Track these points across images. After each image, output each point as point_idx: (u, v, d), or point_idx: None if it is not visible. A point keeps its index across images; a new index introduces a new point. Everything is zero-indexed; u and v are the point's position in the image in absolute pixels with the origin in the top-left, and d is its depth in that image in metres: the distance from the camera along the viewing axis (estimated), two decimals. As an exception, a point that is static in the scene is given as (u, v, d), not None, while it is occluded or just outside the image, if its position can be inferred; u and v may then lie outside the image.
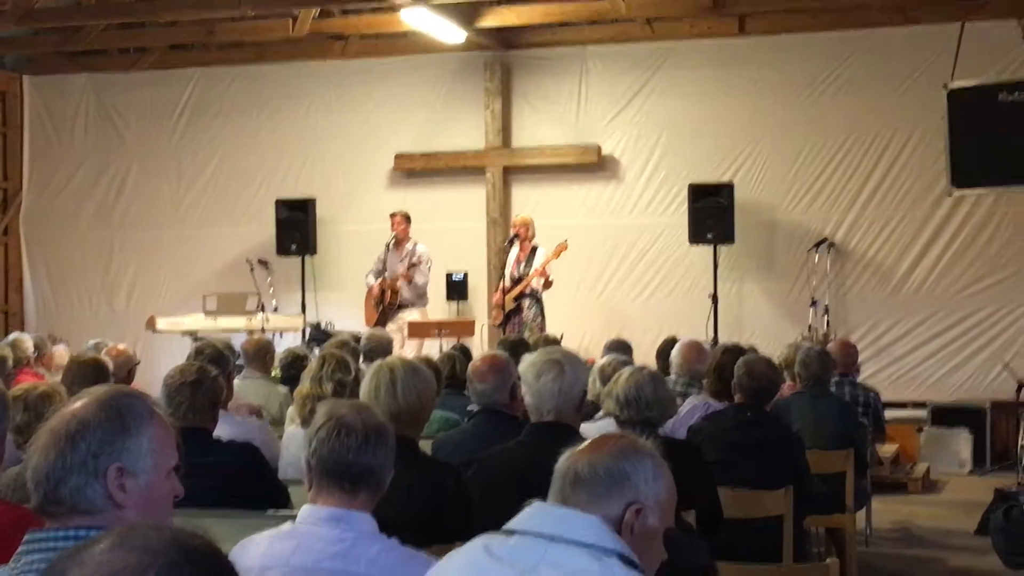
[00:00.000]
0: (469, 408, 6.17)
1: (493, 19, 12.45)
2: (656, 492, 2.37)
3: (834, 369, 7.70)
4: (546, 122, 12.95)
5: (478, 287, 12.92)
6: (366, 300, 12.47)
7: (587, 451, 2.40)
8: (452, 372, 6.85)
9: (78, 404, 2.33)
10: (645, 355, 8.95)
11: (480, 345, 11.45)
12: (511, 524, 2.33)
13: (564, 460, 2.41)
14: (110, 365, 6.38)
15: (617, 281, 12.74)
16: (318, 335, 11.48)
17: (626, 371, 4.83)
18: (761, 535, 5.09)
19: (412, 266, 12.10)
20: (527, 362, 4.38)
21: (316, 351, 8.13)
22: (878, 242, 12.08)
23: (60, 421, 2.30)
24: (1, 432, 3.39)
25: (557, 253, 11.83)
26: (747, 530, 4.95)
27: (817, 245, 12.03)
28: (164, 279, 13.92)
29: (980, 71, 10.22)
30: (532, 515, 2.33)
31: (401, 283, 12.13)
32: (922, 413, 11.55)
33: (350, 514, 3.00)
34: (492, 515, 3.41)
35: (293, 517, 3.11)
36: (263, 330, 11.24)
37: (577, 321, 12.30)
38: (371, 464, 3.06)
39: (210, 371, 4.76)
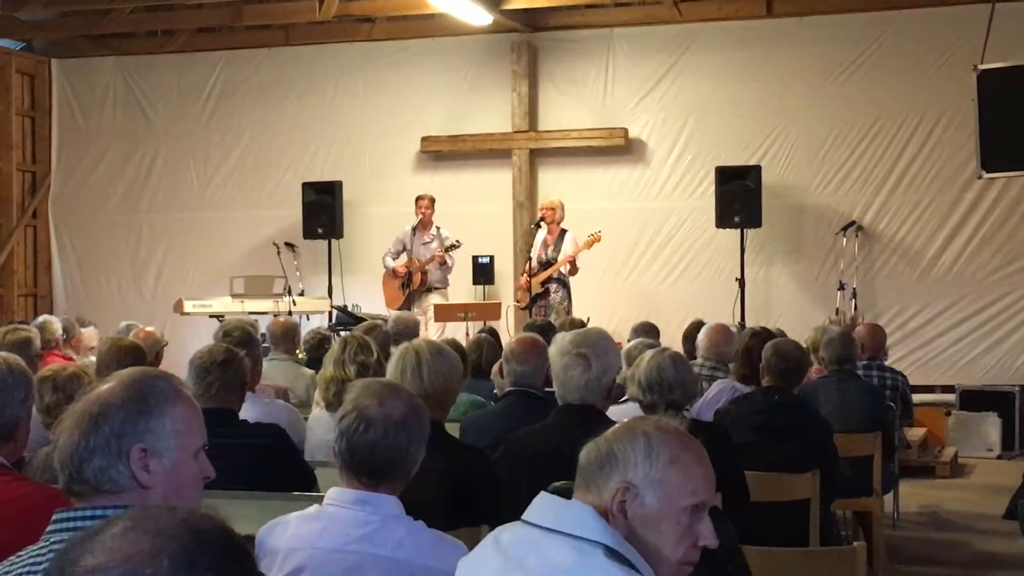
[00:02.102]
0: (495, 392, 6.18)
1: (520, 0, 12.42)
2: (647, 471, 2.27)
3: (862, 353, 7.67)
4: (573, 105, 12.93)
5: (504, 270, 12.91)
6: (385, 282, 12.48)
7: (599, 438, 2.37)
8: (478, 360, 6.83)
9: (104, 387, 2.35)
10: (672, 338, 8.93)
11: (506, 328, 11.45)
12: (524, 514, 2.32)
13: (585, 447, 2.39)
14: (141, 348, 6.41)
15: (644, 265, 12.72)
16: (344, 318, 11.50)
17: (647, 354, 4.80)
18: (788, 518, 5.08)
19: (452, 247, 12.11)
20: (555, 350, 4.35)
21: (342, 334, 8.14)
22: (907, 225, 12.02)
23: (86, 403, 2.32)
24: (26, 411, 3.42)
25: (589, 244, 11.79)
26: (774, 513, 4.94)
27: (845, 228, 11.98)
28: (192, 262, 13.98)
29: (1011, 53, 10.10)
30: (536, 506, 2.31)
31: (432, 264, 12.15)
32: (950, 397, 11.50)
33: (377, 497, 3.00)
34: (519, 497, 3.42)
35: (320, 499, 3.12)
36: (290, 313, 11.27)
37: (604, 304, 12.29)
38: (391, 459, 3.04)
39: (238, 351, 4.78)
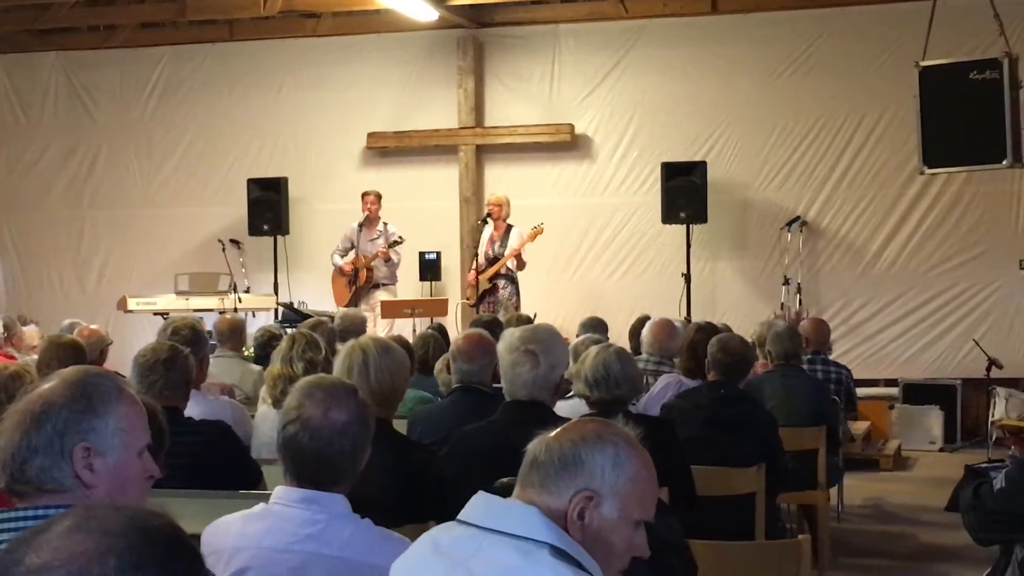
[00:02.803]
0: (440, 390, 6.17)
1: (466, -3, 12.41)
2: (614, 481, 2.28)
3: (807, 347, 7.74)
4: (519, 101, 12.93)
5: (451, 266, 12.89)
6: (334, 280, 12.44)
7: (555, 434, 2.35)
8: (425, 356, 6.82)
9: (46, 385, 2.32)
10: (619, 334, 8.97)
11: (455, 324, 11.44)
12: (460, 514, 2.32)
13: (534, 441, 2.36)
14: (83, 346, 6.34)
15: (591, 260, 12.75)
16: (291, 315, 11.44)
17: (592, 350, 4.80)
18: (734, 512, 5.11)
19: (394, 244, 12.08)
20: (503, 346, 4.35)
21: (289, 331, 8.10)
22: (850, 220, 12.12)
23: (27, 402, 2.29)
24: None
25: (533, 236, 11.82)
26: (720, 507, 4.96)
27: (789, 224, 12.06)
28: (135, 259, 13.84)
29: (952, 49, 10.23)
30: (475, 506, 2.31)
31: (377, 261, 12.12)
32: (894, 390, 11.63)
33: (323, 496, 2.99)
34: (466, 494, 3.40)
35: (266, 497, 3.10)
36: (235, 310, 11.20)
37: (552, 300, 12.31)
38: (337, 466, 3.02)
39: (182, 349, 4.75)
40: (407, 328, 11.16)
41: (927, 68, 9.34)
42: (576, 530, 2.25)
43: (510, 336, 4.36)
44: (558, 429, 2.38)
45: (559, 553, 2.18)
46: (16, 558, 1.39)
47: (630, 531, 2.31)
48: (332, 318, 8.92)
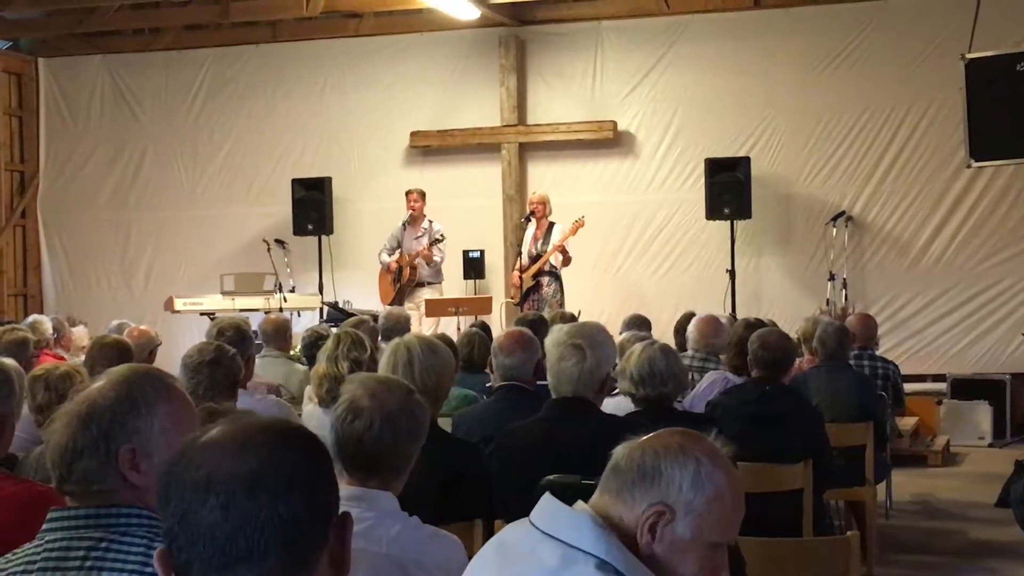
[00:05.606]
0: (488, 384, 6.18)
1: (507, -5, 12.40)
2: (690, 500, 2.17)
3: (853, 343, 7.68)
4: (561, 98, 12.91)
5: (495, 264, 12.90)
6: (380, 278, 12.49)
7: (644, 440, 2.26)
8: (470, 354, 6.83)
9: (95, 386, 2.33)
10: (664, 331, 8.95)
11: (499, 323, 11.45)
12: (531, 514, 2.27)
13: (620, 446, 2.28)
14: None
15: (634, 257, 12.72)
16: (335, 314, 11.49)
17: (637, 348, 4.79)
18: (781, 509, 5.09)
19: (435, 242, 12.10)
20: (551, 341, 4.34)
21: (333, 330, 8.13)
22: (896, 215, 12.03)
23: (75, 404, 2.31)
24: (7, 409, 3.42)
25: (574, 230, 11.82)
26: (767, 504, 4.93)
27: (835, 219, 11.98)
28: (182, 260, 13.95)
29: (998, 41, 10.13)
30: (539, 507, 2.26)
31: (420, 260, 12.14)
32: (942, 386, 11.52)
33: (372, 493, 2.98)
34: (511, 491, 3.40)
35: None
36: (281, 310, 11.24)
37: (595, 298, 12.28)
38: (377, 452, 3.01)
39: (228, 349, 4.78)
40: (451, 326, 11.18)
41: (973, 60, 9.26)
42: (645, 545, 2.18)
43: (557, 331, 4.36)
44: (648, 435, 2.29)
45: (606, 567, 2.12)
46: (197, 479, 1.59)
47: (704, 553, 2.21)
48: (375, 317, 8.95)
